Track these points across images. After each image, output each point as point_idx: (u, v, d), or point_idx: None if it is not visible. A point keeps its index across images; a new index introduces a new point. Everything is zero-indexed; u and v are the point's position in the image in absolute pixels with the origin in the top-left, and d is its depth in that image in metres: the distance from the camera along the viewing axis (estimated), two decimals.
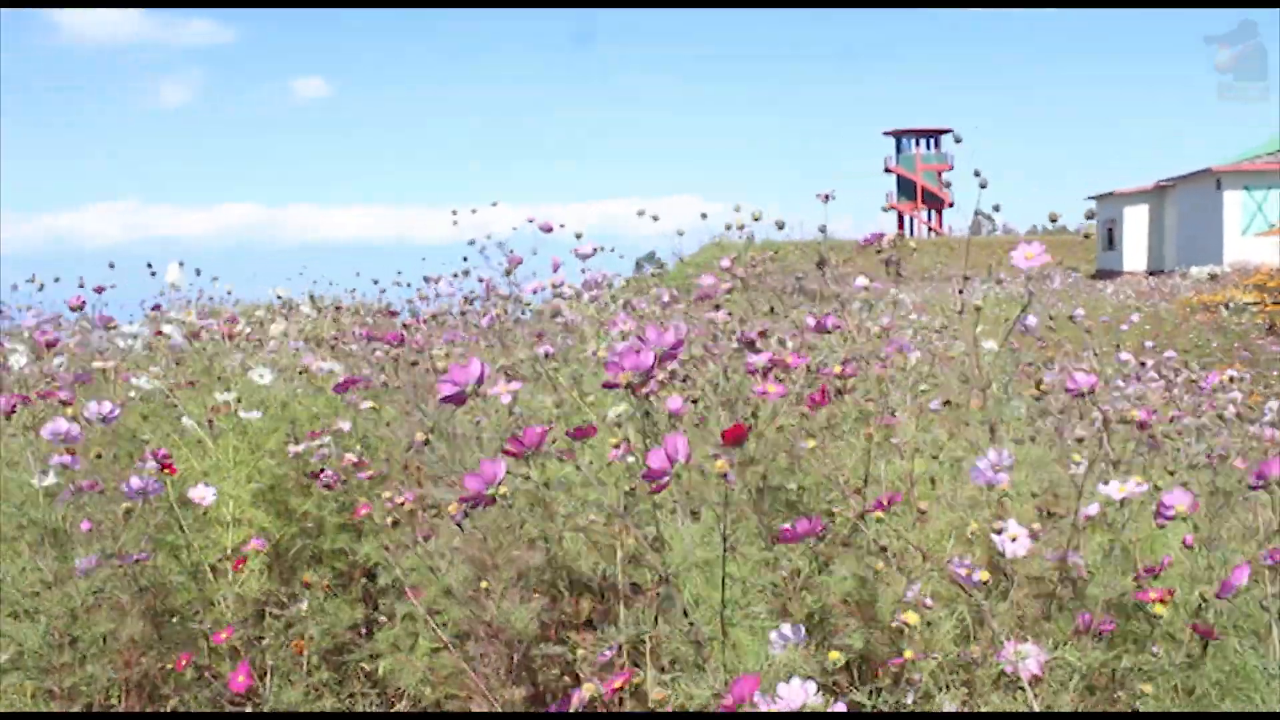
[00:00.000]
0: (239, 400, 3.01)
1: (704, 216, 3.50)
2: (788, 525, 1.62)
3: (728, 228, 2.94)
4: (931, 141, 40.20)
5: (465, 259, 3.82)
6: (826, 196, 2.52)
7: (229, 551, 2.80)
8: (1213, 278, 23.71)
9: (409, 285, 4.84)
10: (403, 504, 2.51)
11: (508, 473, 1.49)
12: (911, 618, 1.73)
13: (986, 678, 1.75)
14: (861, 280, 2.97)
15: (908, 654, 1.82)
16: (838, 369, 2.43)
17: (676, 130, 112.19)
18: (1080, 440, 2.29)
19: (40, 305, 4.52)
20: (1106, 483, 2.03)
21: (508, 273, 3.30)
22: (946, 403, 2.59)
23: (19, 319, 4.62)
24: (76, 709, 2.51)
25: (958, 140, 2.94)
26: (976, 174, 2.55)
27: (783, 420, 2.54)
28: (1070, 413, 2.86)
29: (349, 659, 2.85)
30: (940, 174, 39.54)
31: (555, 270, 3.24)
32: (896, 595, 1.93)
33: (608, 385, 1.50)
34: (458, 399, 1.56)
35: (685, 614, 1.62)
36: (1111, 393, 4.10)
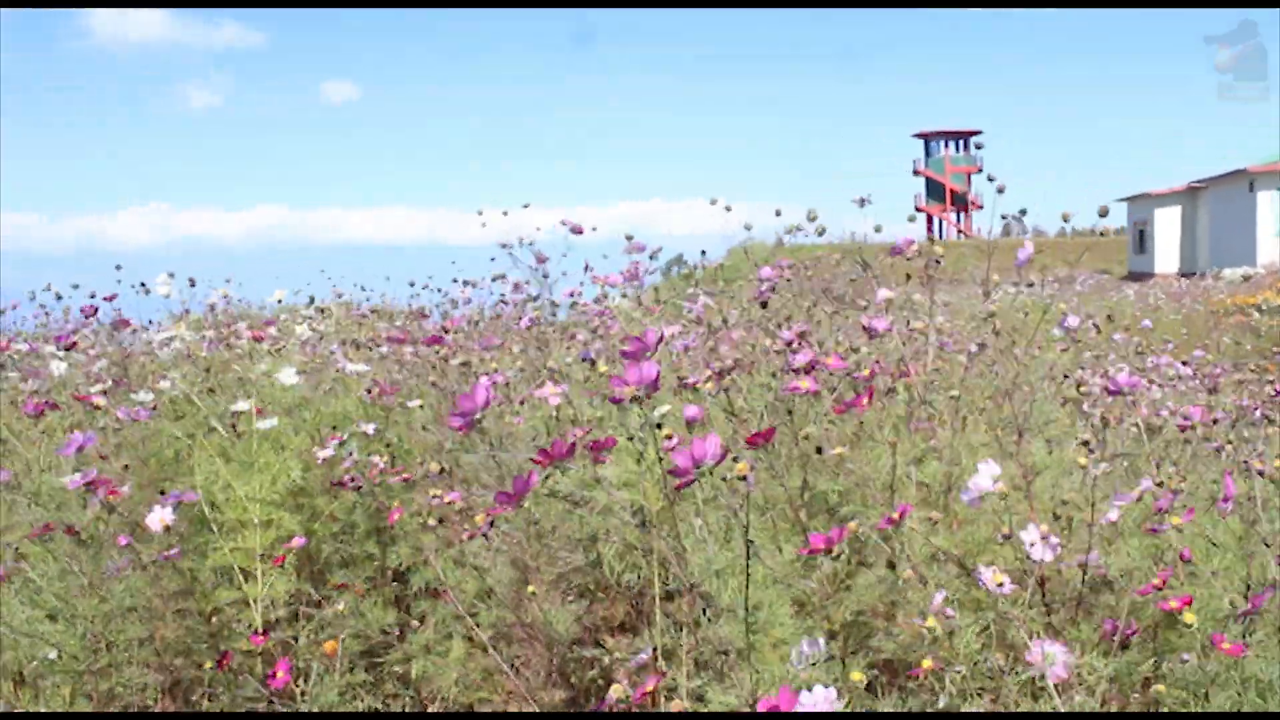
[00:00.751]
0: (263, 405, 3.02)
1: (748, 228, 3.47)
2: (814, 535, 1.60)
3: (747, 227, 2.93)
4: (960, 144, 40.00)
5: (493, 259, 3.82)
6: (862, 201, 2.50)
7: (258, 554, 2.81)
8: (1246, 279, 23.47)
9: (439, 290, 4.84)
10: (450, 503, 2.50)
11: (547, 476, 1.49)
12: (931, 623, 1.70)
13: (1014, 683, 1.73)
14: (884, 292, 2.95)
15: (926, 663, 1.80)
16: (893, 369, 2.41)
17: (702, 132, 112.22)
18: (1085, 443, 2.25)
19: (72, 309, 4.55)
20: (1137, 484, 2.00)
21: (544, 275, 3.30)
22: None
23: (54, 323, 4.66)
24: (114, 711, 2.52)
25: (979, 147, 2.92)
26: (991, 179, 2.53)
27: (813, 429, 2.52)
28: (1108, 415, 2.82)
29: (383, 661, 2.85)
30: (969, 176, 39.35)
31: (586, 270, 3.23)
32: (920, 601, 1.90)
33: (614, 400, 1.51)
34: (468, 427, 1.56)
35: (710, 620, 1.61)
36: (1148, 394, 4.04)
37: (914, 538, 1.99)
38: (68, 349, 3.37)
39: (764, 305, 2.91)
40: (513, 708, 2.48)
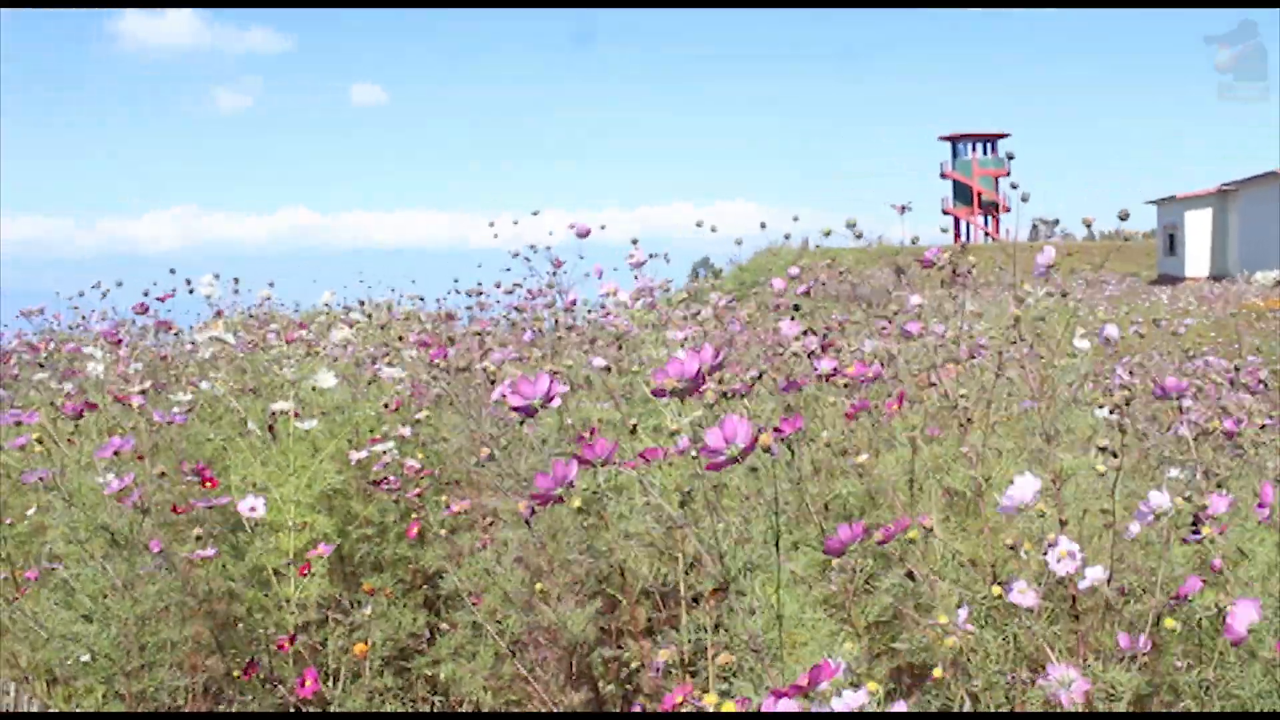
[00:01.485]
0: (299, 407, 3.04)
1: (763, 226, 3.47)
2: (831, 537, 1.61)
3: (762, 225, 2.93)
4: (988, 146, 39.77)
5: (508, 269, 3.83)
6: (903, 208, 2.51)
7: (291, 557, 2.83)
8: (1278, 284, 23.20)
9: (464, 293, 4.85)
10: (460, 512, 2.52)
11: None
12: (950, 643, 1.70)
13: (1036, 699, 1.72)
14: (915, 298, 2.95)
15: (937, 673, 1.80)
16: (926, 372, 2.41)
17: (731, 133, 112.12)
18: (1103, 449, 2.23)
19: (110, 311, 4.60)
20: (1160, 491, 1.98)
21: (559, 279, 3.30)
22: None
23: (90, 324, 4.71)
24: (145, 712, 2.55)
25: (1010, 158, 2.92)
26: (1014, 186, 2.53)
27: (830, 433, 2.52)
28: (1151, 422, 2.81)
29: (412, 665, 2.87)
30: (997, 179, 39.11)
31: (599, 277, 3.22)
32: (944, 610, 1.90)
33: (657, 393, 1.50)
34: (527, 411, 1.57)
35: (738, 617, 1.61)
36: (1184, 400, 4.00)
37: (933, 545, 1.99)
38: (114, 344, 3.41)
39: (796, 308, 2.90)
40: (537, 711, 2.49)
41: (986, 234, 39.10)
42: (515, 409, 1.56)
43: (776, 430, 1.64)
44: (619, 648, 2.52)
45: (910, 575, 1.92)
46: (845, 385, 2.45)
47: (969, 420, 2.41)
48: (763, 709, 1.29)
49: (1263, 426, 2.64)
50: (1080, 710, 1.68)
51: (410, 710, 2.80)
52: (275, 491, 2.87)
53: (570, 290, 3.40)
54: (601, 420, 2.72)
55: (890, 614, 2.21)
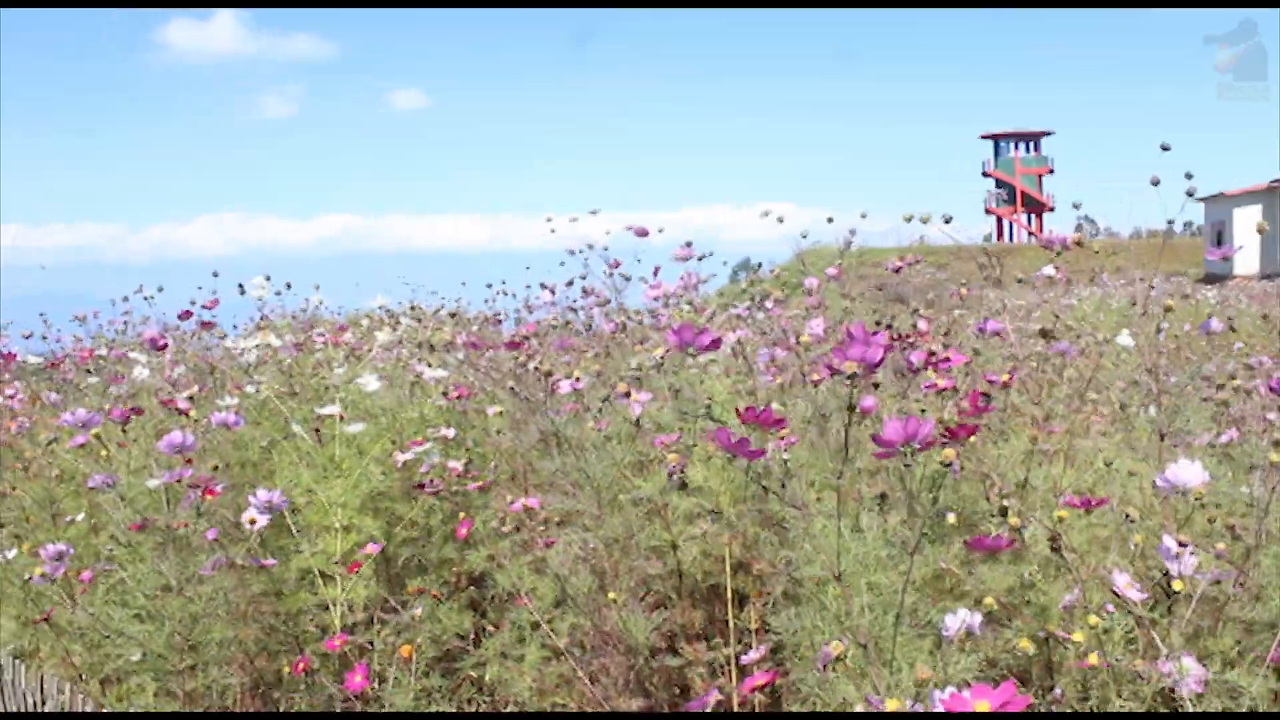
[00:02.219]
0: (345, 410, 3.05)
1: (780, 220, 3.43)
2: (978, 537, 1.57)
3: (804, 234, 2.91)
4: (1031, 145, 39.41)
5: (563, 264, 3.85)
6: (948, 219, 2.48)
7: (338, 558, 2.84)
8: None
9: (511, 295, 4.86)
10: (528, 509, 2.52)
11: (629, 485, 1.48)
12: (1093, 620, 1.67)
13: (1152, 692, 1.69)
14: (994, 293, 2.91)
15: (1077, 635, 1.74)
16: (1005, 376, 2.38)
17: (766, 136, 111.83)
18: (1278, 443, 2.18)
19: (160, 316, 4.65)
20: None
21: (613, 280, 3.30)
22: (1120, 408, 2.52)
23: (136, 329, 4.76)
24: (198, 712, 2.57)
25: (1050, 172, 2.88)
26: (1075, 206, 2.50)
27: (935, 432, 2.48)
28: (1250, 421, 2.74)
29: (458, 666, 2.87)
30: (1040, 177, 38.75)
31: (655, 275, 3.23)
32: (1054, 601, 1.87)
33: (831, 372, 1.42)
34: (696, 344, 1.49)
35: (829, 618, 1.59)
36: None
37: (1069, 532, 1.95)
38: (160, 349, 3.44)
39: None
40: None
41: (1030, 233, 38.73)
42: (680, 345, 1.49)
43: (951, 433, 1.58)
44: (674, 652, 2.51)
45: (1055, 547, 1.86)
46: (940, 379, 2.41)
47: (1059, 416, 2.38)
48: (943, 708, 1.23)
49: None
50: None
51: (457, 711, 2.81)
52: (321, 494, 2.89)
53: (624, 290, 3.41)
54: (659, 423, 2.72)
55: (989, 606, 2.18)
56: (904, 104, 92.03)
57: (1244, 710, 1.69)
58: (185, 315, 4.10)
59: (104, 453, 2.70)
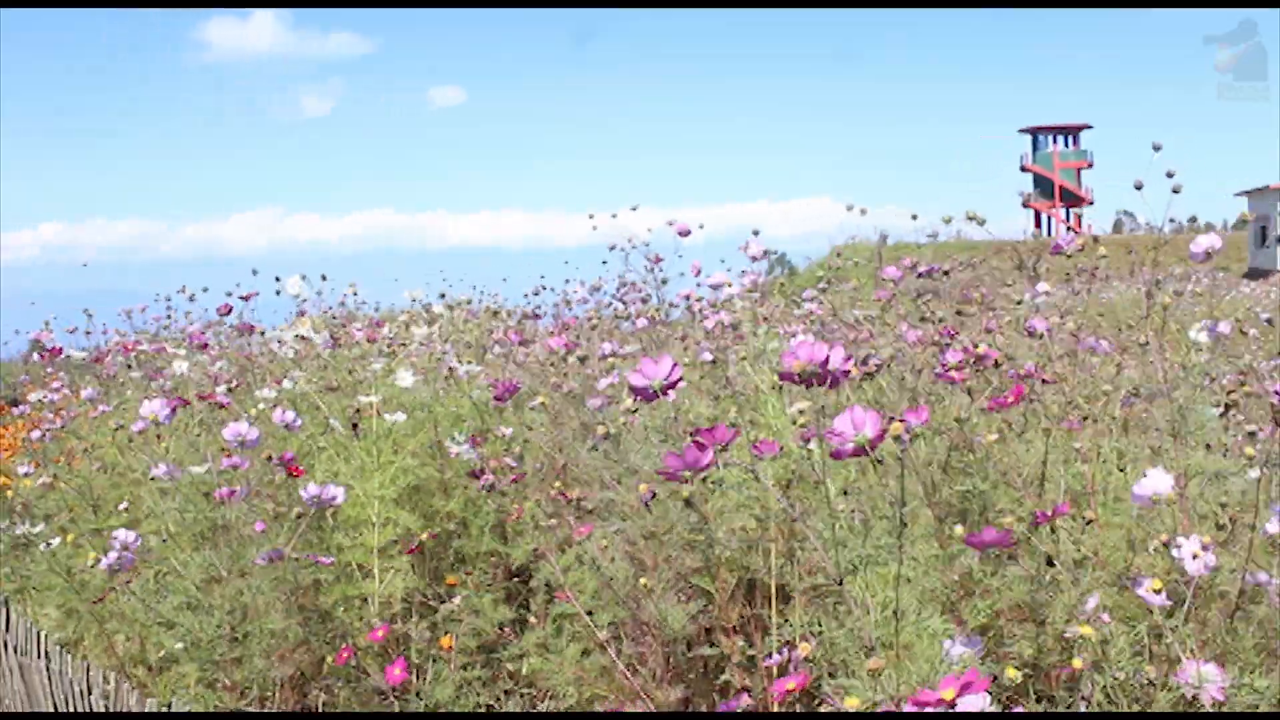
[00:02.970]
0: (382, 403, 3.07)
1: (854, 209, 3.40)
2: (975, 533, 1.56)
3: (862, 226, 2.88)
4: (1070, 139, 39.00)
5: (604, 261, 3.86)
6: (982, 221, 2.47)
7: (375, 551, 2.86)
8: None
9: (550, 289, 4.87)
10: (579, 498, 2.52)
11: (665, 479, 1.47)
12: (1086, 630, 1.65)
13: (1164, 700, 1.66)
14: (1044, 285, 2.89)
15: (1076, 663, 1.74)
16: (1047, 372, 2.36)
17: (803, 131, 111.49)
18: (1252, 434, 2.15)
19: (199, 312, 4.70)
20: None
21: (660, 276, 3.31)
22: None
23: (177, 325, 4.81)
24: (244, 703, 2.59)
25: (1089, 166, 2.85)
26: (1127, 212, 2.46)
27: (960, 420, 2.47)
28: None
29: (498, 657, 2.88)
30: (1078, 172, 38.34)
31: (697, 274, 3.22)
32: (1069, 604, 1.85)
33: (784, 377, 1.45)
34: (645, 394, 1.53)
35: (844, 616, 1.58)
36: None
37: (1068, 533, 1.93)
38: (200, 348, 3.48)
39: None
40: (628, 707, 2.48)
41: (1068, 228, 38.36)
42: (634, 389, 1.53)
43: (903, 421, 1.59)
44: (711, 644, 2.50)
45: (1050, 561, 1.86)
46: (976, 372, 2.40)
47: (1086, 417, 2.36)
48: (904, 710, 1.26)
49: None
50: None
51: (495, 703, 2.81)
52: (358, 487, 2.90)
53: (667, 285, 3.41)
54: (706, 417, 2.72)
55: (1003, 614, 2.16)
56: (943, 100, 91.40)
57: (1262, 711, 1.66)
58: (225, 310, 4.14)
59: (163, 446, 2.73)
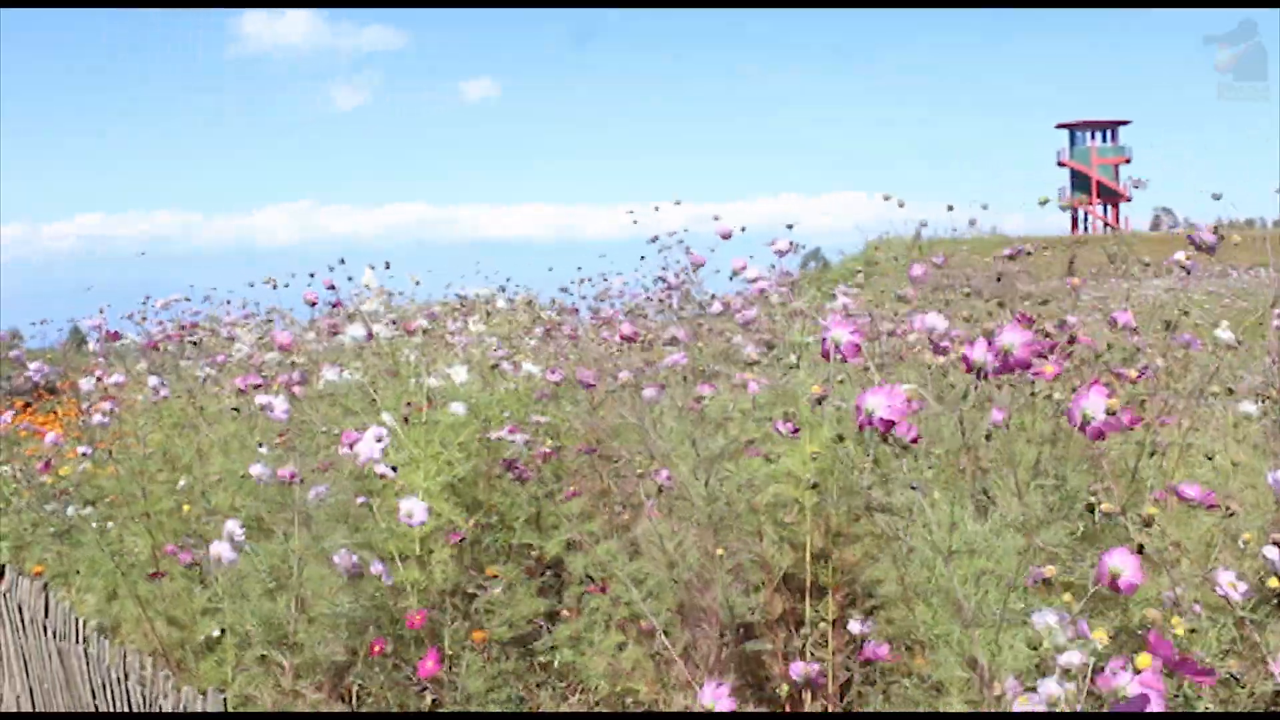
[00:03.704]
0: (438, 395, 3.13)
1: (891, 199, 3.41)
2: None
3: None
4: (1108, 134, 38.59)
5: (643, 256, 3.90)
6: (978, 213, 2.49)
7: (420, 542, 2.91)
8: None
9: (589, 281, 4.90)
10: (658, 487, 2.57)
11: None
12: (1176, 623, 1.66)
13: (1246, 696, 1.68)
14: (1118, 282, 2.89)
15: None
16: (1133, 373, 2.38)
17: (835, 125, 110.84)
18: None
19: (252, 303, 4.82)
20: None
21: (695, 271, 3.36)
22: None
23: (228, 315, 4.91)
24: (301, 685, 2.67)
25: (1130, 159, 2.85)
26: (1165, 209, 2.47)
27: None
28: None
29: (530, 649, 2.93)
30: (1117, 167, 37.92)
31: (743, 270, 3.25)
32: (1155, 590, 1.87)
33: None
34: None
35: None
36: None
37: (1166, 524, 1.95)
38: (283, 349, 3.56)
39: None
40: (677, 698, 2.53)
41: (1106, 224, 38.00)
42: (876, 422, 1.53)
43: None
44: (758, 636, 2.54)
45: (1141, 549, 1.88)
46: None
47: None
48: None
49: None
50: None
51: (527, 694, 2.87)
52: (406, 478, 2.96)
53: (704, 280, 3.46)
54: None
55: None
56: (978, 94, 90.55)
57: None
58: (313, 302, 4.16)
59: (251, 425, 2.81)
